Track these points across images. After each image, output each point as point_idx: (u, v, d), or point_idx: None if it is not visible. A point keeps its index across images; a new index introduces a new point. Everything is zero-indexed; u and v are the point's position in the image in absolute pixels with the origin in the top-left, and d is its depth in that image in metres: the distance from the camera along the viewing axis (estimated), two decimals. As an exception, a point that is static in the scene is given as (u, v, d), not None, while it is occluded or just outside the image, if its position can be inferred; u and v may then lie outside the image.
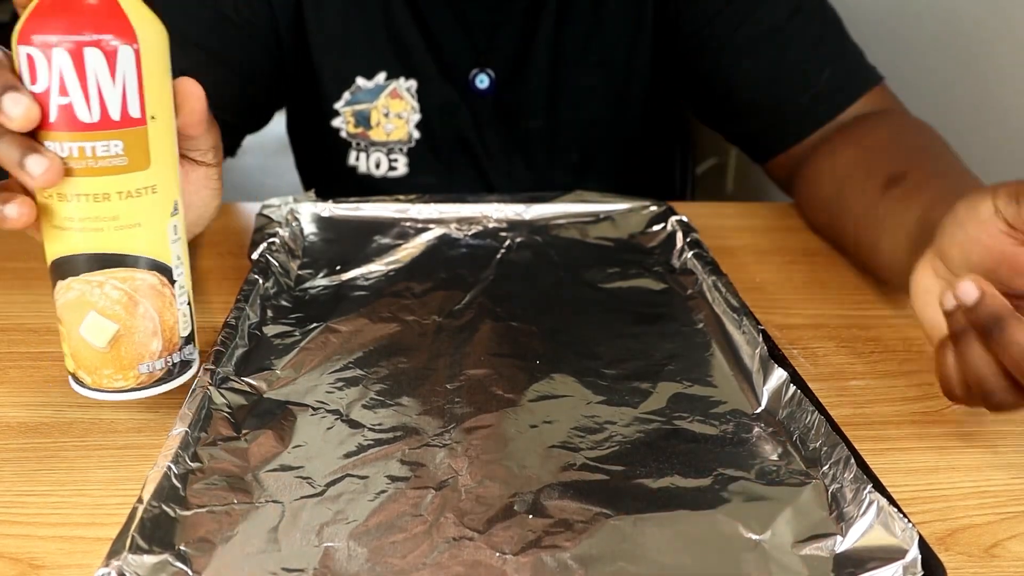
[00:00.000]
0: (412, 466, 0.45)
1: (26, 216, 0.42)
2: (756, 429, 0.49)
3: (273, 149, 1.68)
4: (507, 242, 0.72)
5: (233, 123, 0.81)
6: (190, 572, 0.38)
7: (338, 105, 0.88)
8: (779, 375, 0.51)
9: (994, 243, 0.46)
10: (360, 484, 0.44)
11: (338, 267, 0.67)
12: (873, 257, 0.64)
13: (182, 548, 0.39)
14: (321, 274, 0.66)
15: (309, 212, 0.75)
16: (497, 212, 0.76)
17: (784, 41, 0.79)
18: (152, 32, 0.43)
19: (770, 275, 0.71)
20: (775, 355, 0.52)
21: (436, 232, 0.74)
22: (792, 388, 0.50)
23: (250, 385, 0.52)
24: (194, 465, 0.44)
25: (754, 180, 1.33)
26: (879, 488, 0.41)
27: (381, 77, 0.86)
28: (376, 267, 0.68)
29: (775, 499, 0.43)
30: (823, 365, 0.58)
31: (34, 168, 0.41)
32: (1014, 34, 1.01)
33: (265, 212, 0.72)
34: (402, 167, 0.89)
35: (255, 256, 0.64)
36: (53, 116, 0.42)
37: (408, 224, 0.75)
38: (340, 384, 0.52)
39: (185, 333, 0.48)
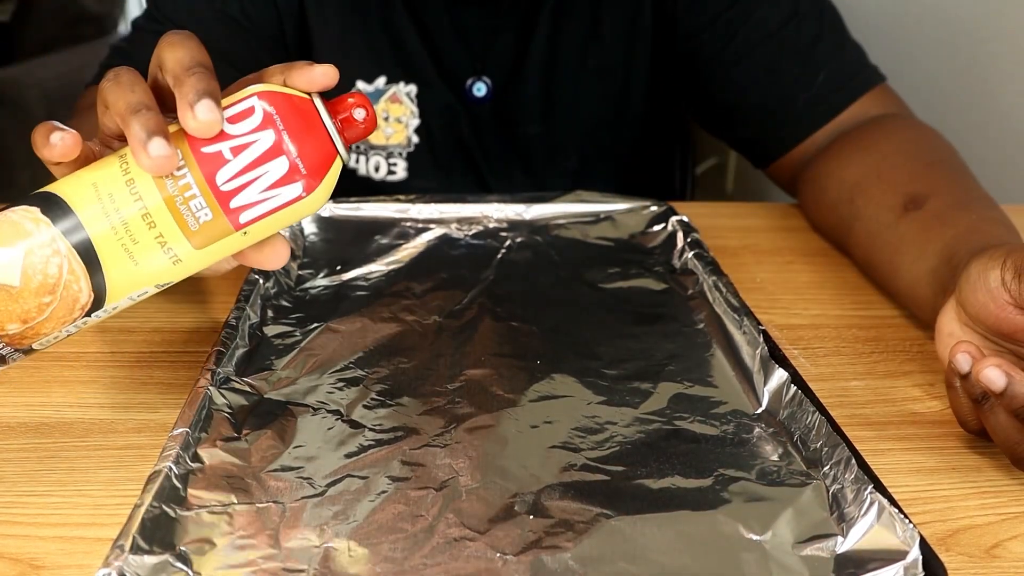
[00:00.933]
0: (413, 466, 0.45)
1: (69, 149, 0.42)
2: (757, 429, 0.49)
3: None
4: (507, 242, 0.72)
5: None
6: (190, 572, 0.38)
7: None
8: (780, 375, 0.51)
9: (1001, 312, 0.48)
10: (361, 484, 0.44)
11: (339, 267, 0.67)
12: (889, 280, 0.65)
13: (182, 548, 0.39)
14: (322, 274, 0.66)
15: (309, 212, 0.75)
16: (497, 212, 0.76)
17: (780, 45, 0.79)
18: (322, 199, 0.44)
19: (770, 275, 0.71)
20: (776, 355, 0.52)
21: (436, 232, 0.74)
22: (793, 388, 0.50)
23: (251, 385, 0.52)
24: (194, 465, 0.44)
25: (754, 180, 1.33)
26: (880, 489, 0.41)
27: (381, 81, 0.86)
28: (376, 267, 0.68)
29: (776, 499, 0.43)
30: (824, 365, 0.58)
31: (155, 149, 0.40)
32: (1014, 34, 1.01)
33: (265, 212, 0.72)
34: (401, 171, 0.89)
35: (255, 256, 0.64)
36: (207, 158, 0.41)
37: (408, 224, 0.75)
38: (341, 384, 0.52)
39: (36, 346, 0.44)
